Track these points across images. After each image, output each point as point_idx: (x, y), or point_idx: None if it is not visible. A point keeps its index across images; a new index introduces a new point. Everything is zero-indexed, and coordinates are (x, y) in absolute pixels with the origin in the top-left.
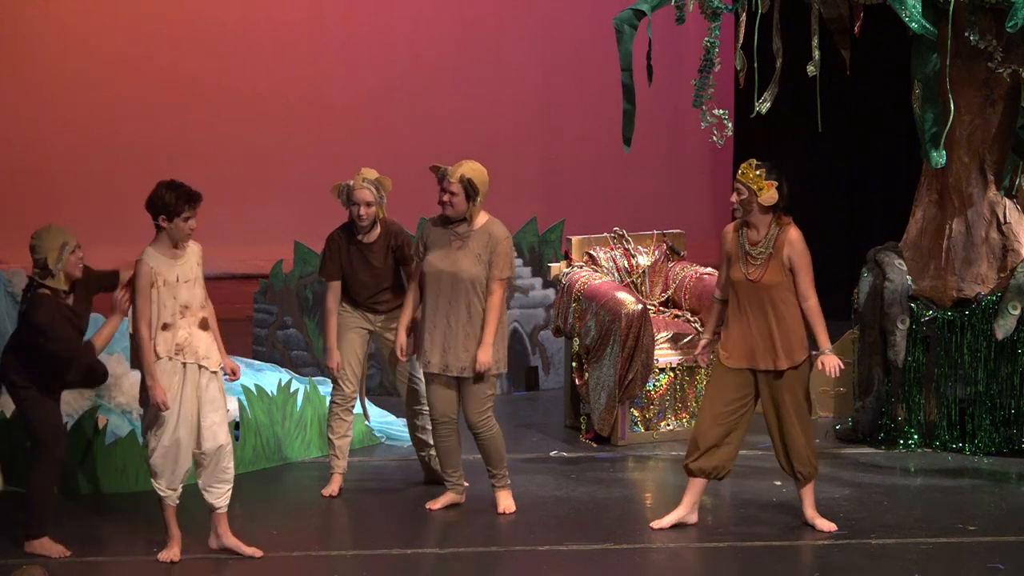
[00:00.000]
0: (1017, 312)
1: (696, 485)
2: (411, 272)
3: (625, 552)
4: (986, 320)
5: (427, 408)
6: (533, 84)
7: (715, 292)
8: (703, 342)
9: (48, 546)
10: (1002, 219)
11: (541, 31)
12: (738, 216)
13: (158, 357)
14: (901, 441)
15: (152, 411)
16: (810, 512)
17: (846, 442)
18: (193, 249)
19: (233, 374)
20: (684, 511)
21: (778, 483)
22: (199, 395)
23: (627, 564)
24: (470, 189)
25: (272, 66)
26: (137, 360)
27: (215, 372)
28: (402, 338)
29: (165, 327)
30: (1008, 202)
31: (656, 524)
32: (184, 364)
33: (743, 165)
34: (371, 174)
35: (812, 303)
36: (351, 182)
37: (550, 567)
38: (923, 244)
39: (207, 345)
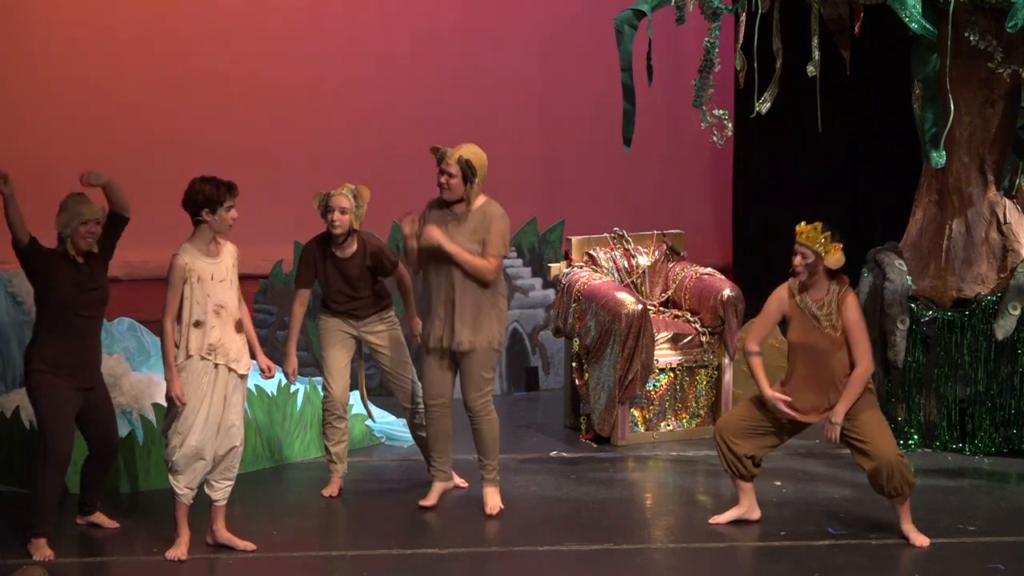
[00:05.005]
0: (1017, 312)
1: (746, 487)
2: (398, 275)
3: (625, 552)
4: (986, 320)
5: (423, 407)
6: (533, 84)
7: (752, 347)
8: (781, 400)
9: (41, 547)
10: (1002, 219)
11: (541, 31)
12: (802, 280)
13: (189, 355)
14: (901, 441)
15: (177, 409)
16: (905, 526)
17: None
18: (229, 250)
19: (268, 371)
20: (743, 509)
21: (778, 483)
22: (225, 396)
23: (627, 564)
24: (468, 171)
25: (271, 65)
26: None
27: (243, 376)
28: (416, 322)
29: (197, 324)
30: (1008, 202)
31: (714, 519)
32: (216, 365)
33: (805, 228)
34: (351, 185)
35: (863, 370)
36: (331, 190)
37: (550, 567)
38: (923, 244)
39: (239, 348)
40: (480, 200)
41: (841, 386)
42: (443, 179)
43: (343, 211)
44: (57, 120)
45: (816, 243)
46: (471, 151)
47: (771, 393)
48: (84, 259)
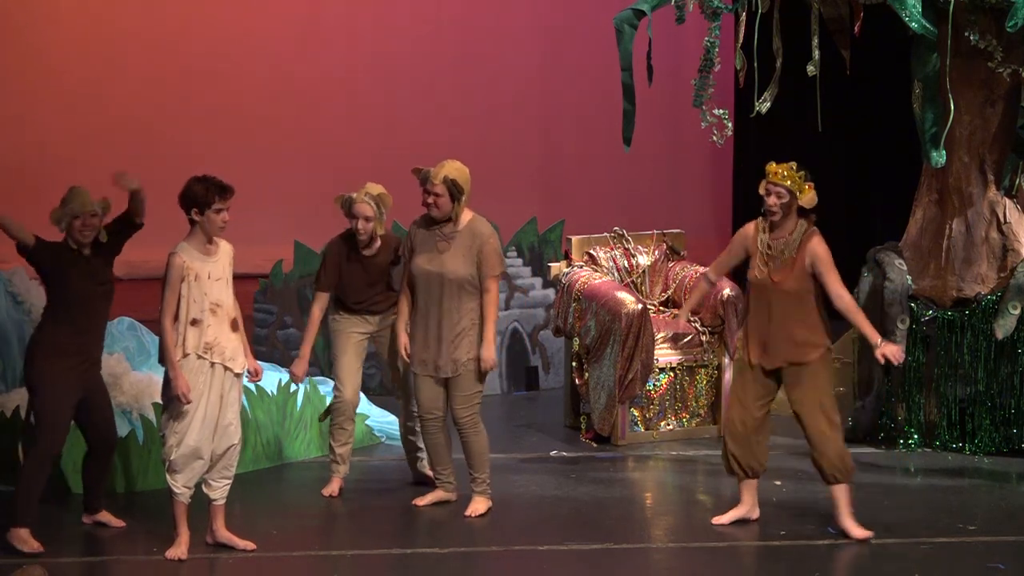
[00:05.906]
0: (1017, 312)
1: (750, 485)
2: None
3: (626, 552)
4: (986, 320)
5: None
6: (533, 83)
7: (709, 272)
8: (682, 318)
9: (26, 538)
10: (1002, 219)
11: (541, 30)
12: (775, 219)
13: (186, 354)
14: (901, 441)
15: (174, 408)
16: (843, 519)
17: (846, 442)
18: (225, 249)
19: (255, 375)
20: (745, 508)
21: (778, 483)
22: (221, 395)
23: (628, 564)
24: (454, 189)
25: (271, 65)
26: (163, 354)
27: (239, 374)
28: (403, 338)
29: (194, 323)
30: (1008, 202)
31: (716, 520)
32: (211, 364)
33: (778, 167)
34: (374, 189)
35: (847, 300)
36: (354, 195)
37: (550, 567)
38: (923, 244)
39: (235, 347)
40: (467, 216)
41: (797, 328)
42: (430, 199)
43: (367, 219)
44: (57, 120)
45: (792, 181)
46: (455, 168)
47: (681, 316)
48: (93, 252)
